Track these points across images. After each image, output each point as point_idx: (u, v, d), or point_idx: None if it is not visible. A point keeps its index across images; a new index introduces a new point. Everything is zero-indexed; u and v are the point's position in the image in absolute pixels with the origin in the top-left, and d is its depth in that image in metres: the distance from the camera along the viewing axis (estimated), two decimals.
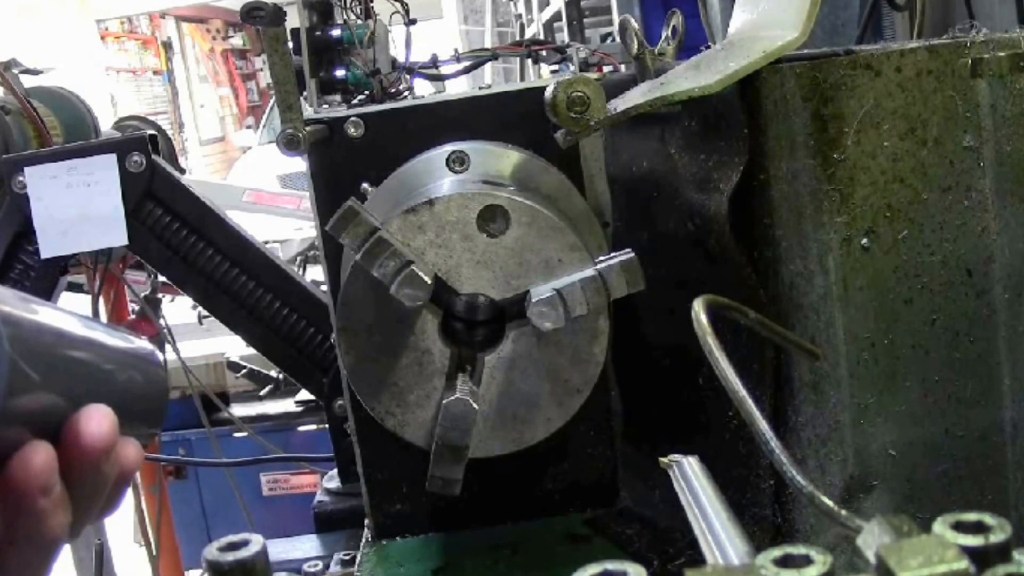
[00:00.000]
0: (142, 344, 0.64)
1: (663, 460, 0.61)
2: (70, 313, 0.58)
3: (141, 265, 1.80)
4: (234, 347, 2.74)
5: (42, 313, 0.53)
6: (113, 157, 1.37)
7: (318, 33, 1.24)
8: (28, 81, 1.80)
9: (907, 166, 0.77)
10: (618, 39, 1.08)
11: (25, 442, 0.49)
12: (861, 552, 0.36)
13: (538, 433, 0.88)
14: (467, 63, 1.51)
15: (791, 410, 0.83)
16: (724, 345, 0.64)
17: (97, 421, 0.52)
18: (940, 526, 0.34)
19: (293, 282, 1.41)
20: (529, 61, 1.67)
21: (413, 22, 1.48)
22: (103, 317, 1.71)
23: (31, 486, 0.49)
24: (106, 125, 1.96)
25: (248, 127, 13.38)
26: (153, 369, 0.64)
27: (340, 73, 1.25)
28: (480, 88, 1.11)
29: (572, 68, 1.44)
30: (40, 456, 0.49)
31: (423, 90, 1.59)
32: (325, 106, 1.19)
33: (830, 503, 0.55)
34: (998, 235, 0.78)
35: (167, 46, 12.89)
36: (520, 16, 6.38)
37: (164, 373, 0.65)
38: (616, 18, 3.55)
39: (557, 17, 4.79)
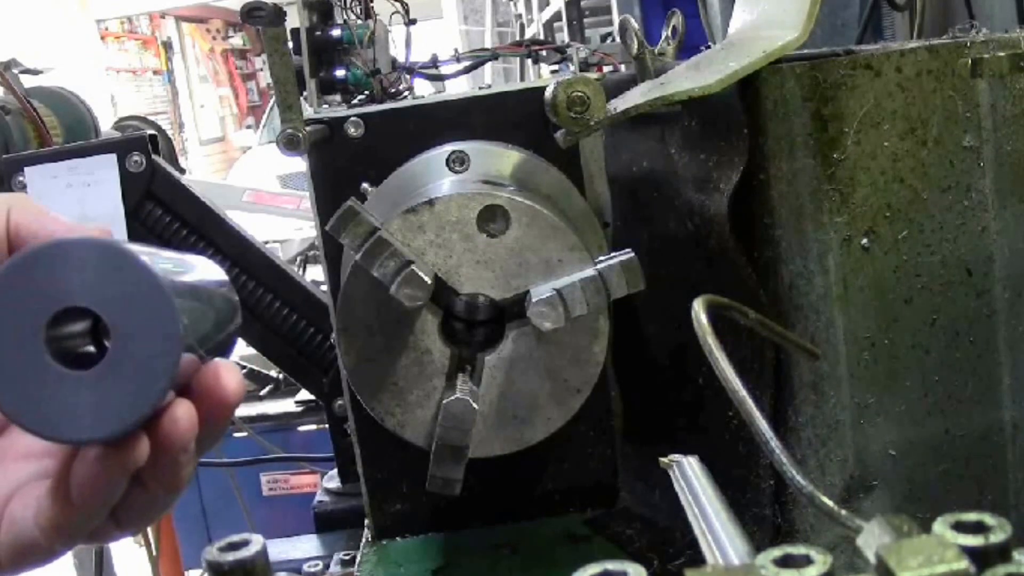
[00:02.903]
0: (224, 277, 0.62)
1: (663, 460, 0.61)
2: (179, 256, 0.56)
3: None
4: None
5: (179, 268, 0.52)
6: (113, 157, 1.37)
7: (318, 33, 1.24)
8: (28, 81, 1.80)
9: (907, 166, 0.77)
10: (618, 39, 1.08)
11: (171, 400, 0.50)
12: (861, 552, 0.36)
13: (538, 433, 0.88)
14: (467, 63, 1.50)
15: (791, 410, 0.83)
16: (724, 345, 0.64)
17: (230, 376, 0.52)
18: (940, 526, 0.34)
19: (293, 282, 1.41)
20: (529, 61, 1.67)
21: (413, 22, 1.48)
22: None
23: (175, 445, 0.50)
24: (106, 125, 1.96)
25: (248, 127, 13.37)
26: (234, 300, 0.62)
27: (340, 73, 1.25)
28: (480, 88, 1.11)
29: (572, 68, 1.44)
30: (185, 417, 0.50)
31: (423, 90, 1.59)
32: (325, 106, 1.19)
33: (830, 503, 0.55)
34: (998, 235, 0.78)
35: (167, 46, 12.89)
36: (520, 16, 6.37)
37: (238, 303, 0.63)
38: (616, 18, 3.55)
39: (557, 17, 4.79)
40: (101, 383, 0.46)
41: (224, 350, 0.57)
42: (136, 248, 0.47)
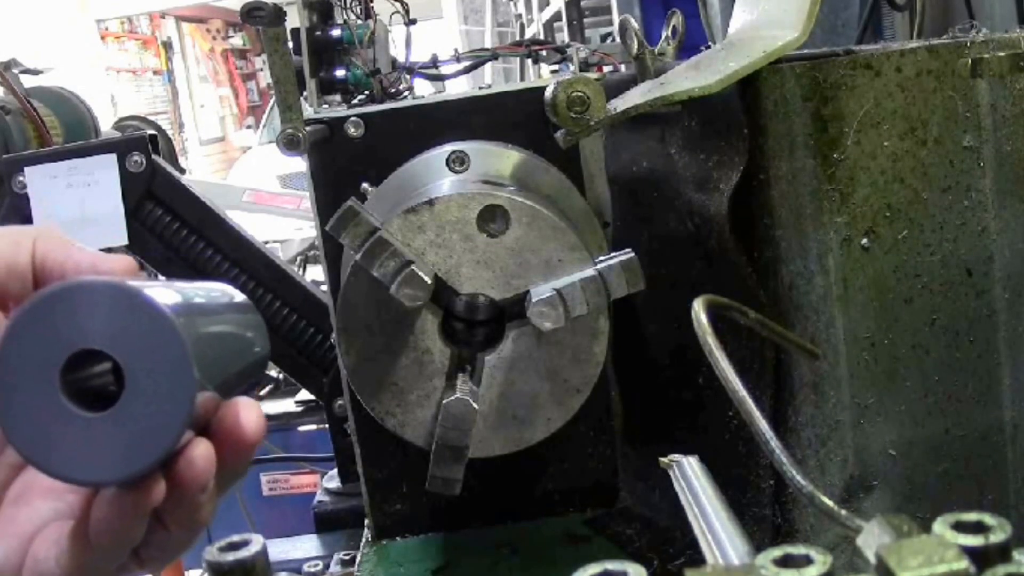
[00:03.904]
0: (249, 305, 0.62)
1: (663, 460, 0.61)
2: (205, 290, 0.56)
3: (141, 265, 1.80)
4: None
5: (193, 304, 0.52)
6: (113, 157, 1.37)
7: (318, 33, 1.24)
8: (28, 81, 1.80)
9: (907, 166, 0.77)
10: (618, 39, 1.08)
11: (189, 440, 0.49)
12: (861, 552, 0.36)
13: (538, 433, 0.88)
14: (467, 63, 1.50)
15: (791, 410, 0.83)
16: (724, 345, 0.64)
17: (250, 415, 0.52)
18: (940, 526, 0.34)
19: (293, 282, 1.41)
20: (529, 61, 1.67)
21: (413, 22, 1.48)
22: None
23: (192, 486, 0.50)
24: (106, 125, 1.96)
25: (248, 127, 13.37)
26: (261, 330, 0.62)
27: (340, 73, 1.24)
28: (480, 88, 1.11)
29: (572, 68, 1.44)
30: (203, 457, 0.50)
31: (423, 90, 1.59)
32: (325, 106, 1.19)
33: (830, 503, 0.55)
34: (998, 235, 0.78)
35: (167, 46, 12.89)
36: (520, 16, 6.37)
37: (266, 331, 0.63)
38: (616, 18, 3.55)
39: (557, 17, 4.79)
40: (115, 425, 0.46)
41: (249, 385, 0.57)
42: (155, 290, 0.47)
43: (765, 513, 0.85)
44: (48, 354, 0.46)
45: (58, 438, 0.46)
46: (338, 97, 1.25)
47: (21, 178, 1.37)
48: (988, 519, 0.34)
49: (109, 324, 0.46)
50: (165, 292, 0.48)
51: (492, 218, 0.85)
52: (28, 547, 0.52)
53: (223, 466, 0.51)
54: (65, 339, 0.46)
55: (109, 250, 1.49)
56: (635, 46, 0.94)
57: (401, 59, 1.45)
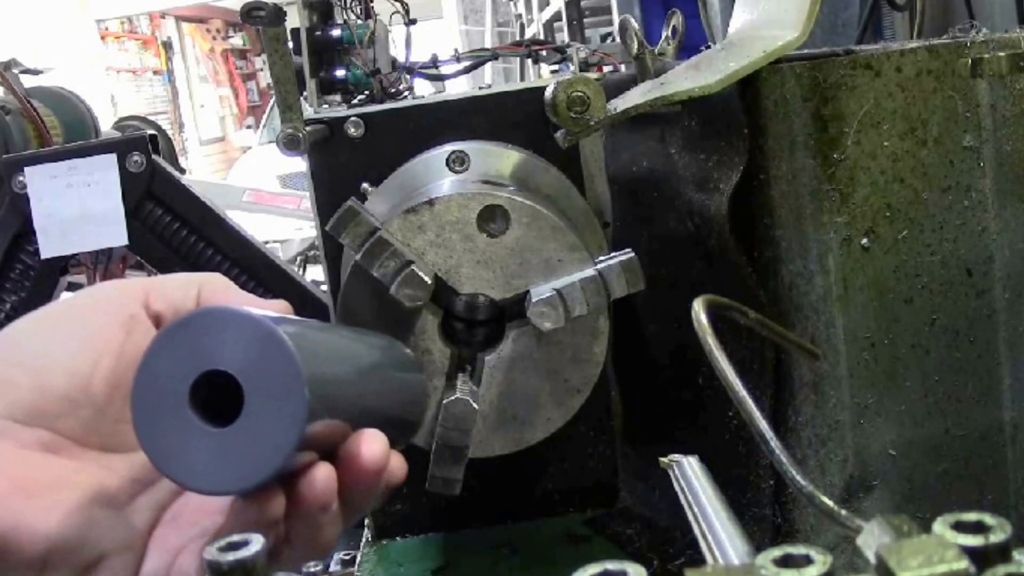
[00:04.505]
0: (409, 356, 0.69)
1: (663, 460, 0.61)
2: (346, 332, 0.64)
3: (141, 265, 1.80)
4: None
5: (327, 341, 0.58)
6: (113, 157, 1.37)
7: (318, 33, 1.24)
8: (28, 81, 1.80)
9: (907, 166, 0.77)
10: (618, 39, 1.08)
11: (312, 463, 0.54)
12: (861, 552, 0.36)
13: (538, 433, 0.88)
14: (467, 63, 1.50)
15: (791, 410, 0.83)
16: (724, 345, 0.64)
17: (372, 445, 0.56)
18: (940, 526, 0.34)
19: (293, 282, 1.41)
20: (529, 61, 1.67)
21: (413, 22, 1.48)
22: None
23: (314, 505, 0.53)
24: (106, 125, 1.96)
25: (248, 127, 13.37)
26: (418, 382, 0.70)
27: (340, 73, 1.25)
28: (480, 88, 1.11)
29: (572, 68, 1.44)
30: (323, 478, 0.54)
31: (423, 90, 1.59)
32: (325, 106, 1.19)
33: (830, 503, 0.55)
34: (998, 235, 0.78)
35: (167, 46, 12.89)
36: (520, 16, 6.38)
37: (425, 385, 0.71)
38: (616, 18, 3.55)
39: (557, 17, 4.79)
40: (234, 441, 0.50)
41: (396, 424, 0.63)
42: (286, 324, 0.52)
43: (765, 513, 0.85)
44: (183, 371, 0.51)
45: (185, 449, 0.50)
46: (338, 97, 1.25)
47: (21, 178, 1.37)
48: (988, 519, 0.34)
49: (238, 349, 0.50)
50: (300, 327, 0.53)
51: (492, 218, 0.85)
52: (174, 561, 0.56)
53: (346, 491, 0.55)
54: (197, 359, 0.51)
55: (109, 250, 1.49)
56: (635, 46, 0.94)
57: (401, 59, 1.45)
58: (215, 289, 0.61)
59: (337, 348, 0.60)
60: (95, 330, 0.57)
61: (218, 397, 0.52)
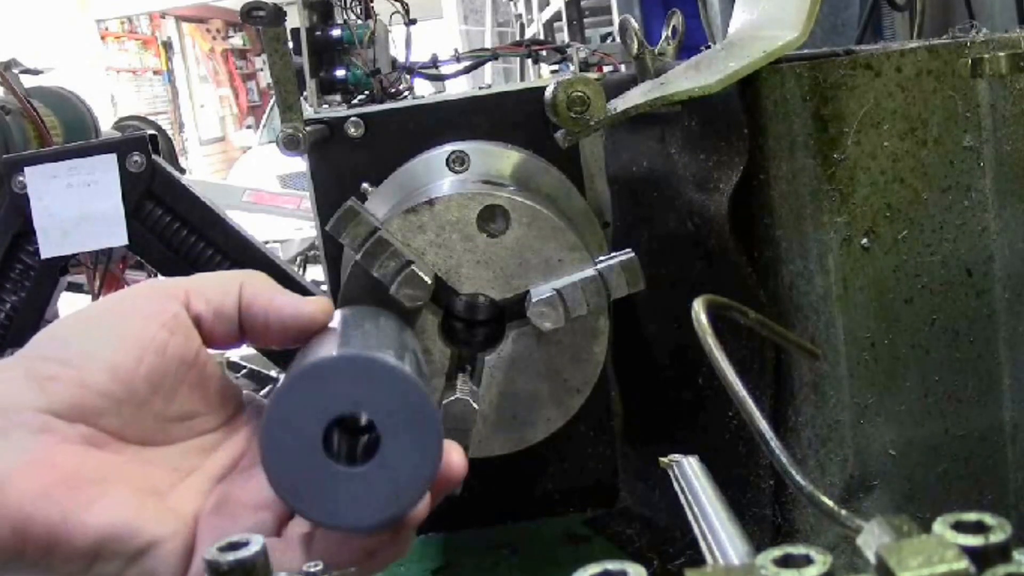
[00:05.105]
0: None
1: (663, 460, 0.61)
2: (404, 333, 0.65)
3: (141, 265, 1.80)
4: None
5: (416, 360, 0.60)
6: (113, 157, 1.37)
7: (318, 33, 1.24)
8: (28, 81, 1.80)
9: (907, 166, 0.77)
10: (618, 39, 1.08)
11: None
12: (861, 552, 0.36)
13: (538, 433, 0.88)
14: (467, 63, 1.50)
15: (791, 410, 0.83)
16: (724, 345, 0.64)
17: (455, 458, 0.57)
18: (940, 526, 0.34)
19: (293, 282, 1.41)
20: (529, 61, 1.67)
21: (413, 22, 1.48)
22: None
23: (413, 526, 0.56)
24: (106, 125, 1.96)
25: (248, 127, 13.37)
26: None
27: (340, 73, 1.25)
28: (480, 88, 1.11)
29: (572, 68, 1.44)
30: (424, 505, 0.55)
31: (423, 90, 1.59)
32: (325, 106, 1.19)
33: (830, 503, 0.55)
34: (998, 235, 0.78)
35: (167, 46, 12.90)
36: (520, 16, 6.38)
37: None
38: (616, 18, 3.55)
39: (557, 17, 4.79)
40: (372, 479, 0.53)
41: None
42: (404, 363, 0.55)
43: (765, 513, 0.85)
44: (316, 415, 0.53)
45: (318, 488, 0.53)
46: (338, 97, 1.25)
47: (21, 178, 1.37)
48: (988, 519, 0.34)
49: (369, 392, 0.53)
50: (408, 363, 0.55)
51: (492, 218, 0.85)
52: None
53: (432, 501, 0.57)
54: (330, 403, 0.53)
55: (109, 250, 1.49)
56: (635, 46, 0.94)
57: (401, 59, 1.45)
58: (256, 288, 0.61)
59: (421, 367, 0.62)
60: (138, 329, 0.57)
61: (341, 436, 0.55)
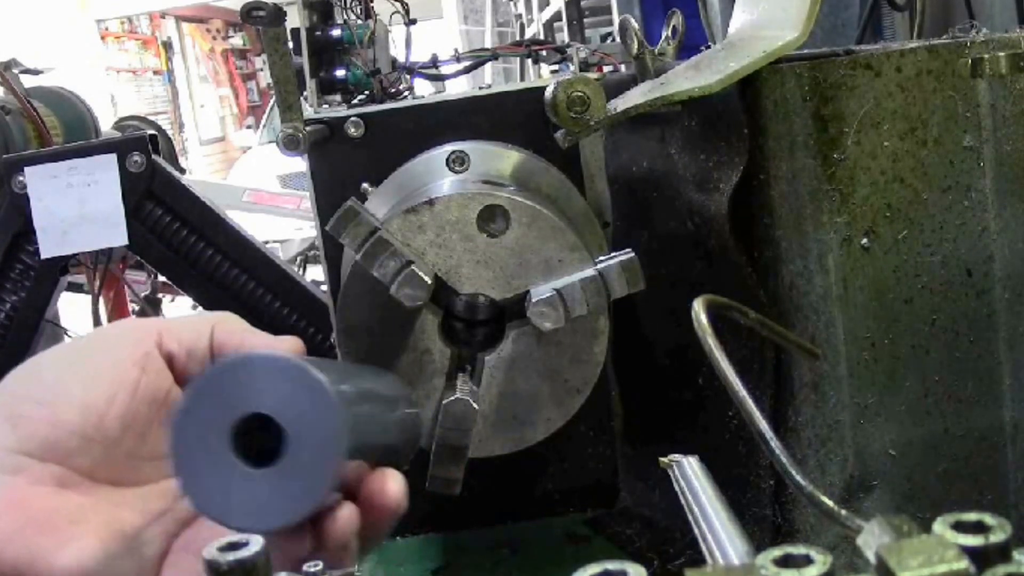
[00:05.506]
0: (407, 391, 0.73)
1: (663, 460, 0.61)
2: (358, 371, 0.67)
3: (141, 265, 1.80)
4: None
5: (352, 383, 0.60)
6: (113, 157, 1.37)
7: (318, 33, 1.24)
8: (28, 81, 1.81)
9: (907, 166, 0.77)
10: (618, 39, 1.08)
11: (336, 501, 0.55)
12: (861, 552, 0.36)
13: (538, 433, 0.88)
14: (467, 63, 1.50)
15: (791, 410, 0.83)
16: (724, 345, 0.64)
17: (392, 485, 0.58)
18: (940, 526, 0.34)
19: (293, 282, 1.41)
20: (529, 61, 1.67)
21: (413, 22, 1.48)
22: (103, 318, 1.71)
23: (334, 542, 0.55)
24: (106, 125, 1.96)
25: (248, 127, 13.37)
26: (416, 418, 0.73)
27: (340, 73, 1.24)
28: (480, 88, 1.11)
29: (572, 68, 1.44)
30: (346, 518, 0.55)
31: (423, 90, 1.59)
32: (325, 106, 1.19)
33: (830, 503, 0.55)
34: (998, 235, 0.78)
35: (167, 46, 12.90)
36: (520, 16, 6.38)
37: (420, 418, 0.75)
38: (616, 18, 3.55)
39: (557, 17, 4.79)
40: (274, 481, 0.52)
41: (397, 458, 0.65)
42: (317, 367, 0.54)
43: (765, 513, 0.85)
44: (222, 415, 0.52)
45: (224, 489, 0.52)
46: (338, 97, 1.25)
47: (21, 178, 1.37)
48: (988, 519, 0.34)
49: (277, 393, 0.52)
50: (328, 370, 0.54)
51: (492, 218, 0.85)
52: None
53: (366, 529, 0.57)
54: (238, 402, 0.52)
55: (109, 250, 1.49)
56: (635, 46, 0.94)
57: (401, 59, 1.45)
58: (229, 329, 0.62)
59: (360, 391, 0.61)
60: (110, 367, 0.58)
61: (251, 440, 0.54)
